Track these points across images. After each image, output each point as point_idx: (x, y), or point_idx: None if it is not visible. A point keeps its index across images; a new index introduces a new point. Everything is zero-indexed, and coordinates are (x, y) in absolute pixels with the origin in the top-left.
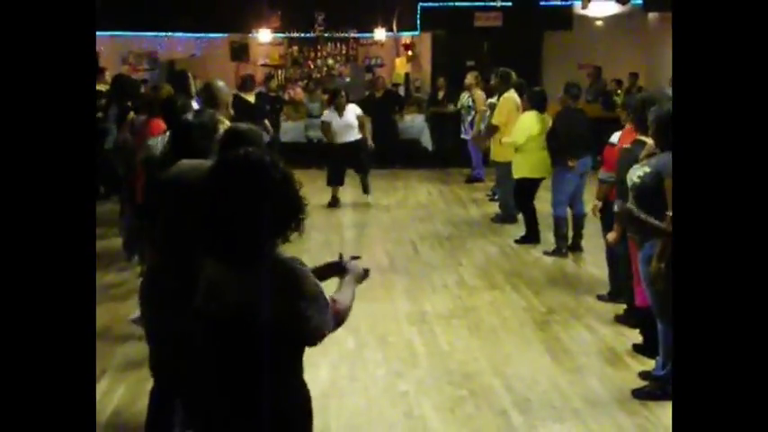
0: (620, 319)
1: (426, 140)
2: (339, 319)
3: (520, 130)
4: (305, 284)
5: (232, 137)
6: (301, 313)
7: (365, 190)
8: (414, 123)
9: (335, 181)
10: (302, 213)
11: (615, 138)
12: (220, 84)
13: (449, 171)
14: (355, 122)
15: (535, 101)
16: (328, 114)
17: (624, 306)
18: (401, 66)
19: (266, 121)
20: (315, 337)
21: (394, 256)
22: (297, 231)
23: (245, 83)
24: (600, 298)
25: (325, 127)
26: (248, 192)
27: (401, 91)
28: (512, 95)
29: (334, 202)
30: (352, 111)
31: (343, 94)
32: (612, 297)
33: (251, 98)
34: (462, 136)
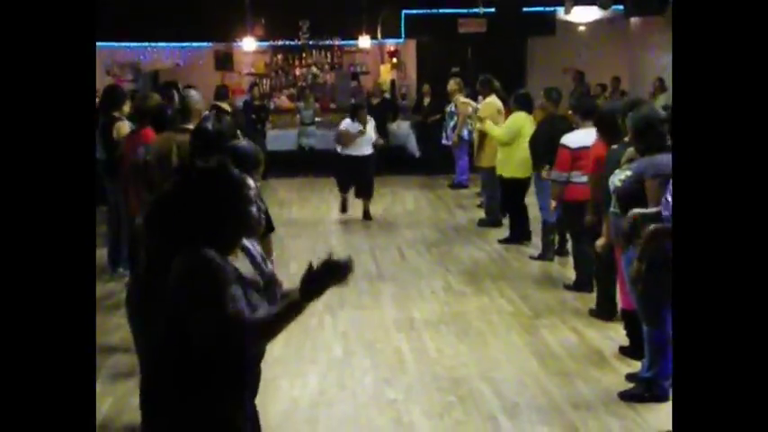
0: (593, 313)
1: (412, 147)
2: (255, 333)
3: (507, 128)
4: (199, 286)
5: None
6: (189, 316)
7: (367, 214)
8: (400, 130)
9: (347, 189)
10: (241, 228)
11: (567, 139)
12: (193, 93)
13: (435, 177)
14: (374, 136)
15: (521, 103)
16: (349, 124)
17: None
18: (386, 73)
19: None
20: (205, 345)
21: (381, 262)
22: (233, 244)
23: (219, 92)
24: (566, 287)
25: (343, 135)
26: (184, 198)
27: (388, 98)
28: (493, 100)
29: (345, 209)
30: (372, 123)
31: (365, 108)
32: (577, 288)
33: (226, 107)
34: (443, 142)
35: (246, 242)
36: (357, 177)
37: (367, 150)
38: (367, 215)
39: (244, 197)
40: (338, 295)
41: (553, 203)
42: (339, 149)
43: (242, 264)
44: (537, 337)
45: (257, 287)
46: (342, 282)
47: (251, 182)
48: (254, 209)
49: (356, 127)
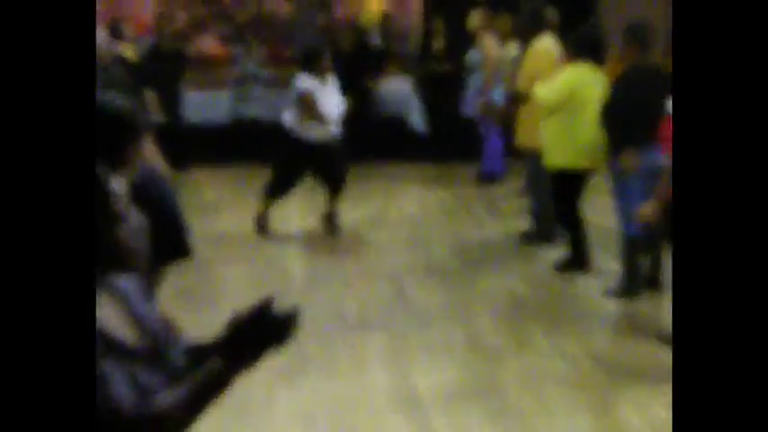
0: None
1: (416, 118)
2: (152, 425)
3: (557, 85)
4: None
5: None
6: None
7: (333, 223)
8: (396, 92)
9: (282, 190)
10: (101, 262)
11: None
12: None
13: (451, 166)
14: (341, 101)
15: (583, 47)
16: (307, 81)
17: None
18: (374, 0)
19: (150, 93)
20: None
21: (366, 301)
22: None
23: (114, 29)
24: (661, 338)
25: (309, 100)
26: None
27: (375, 41)
28: (546, 44)
29: (262, 225)
30: (334, 82)
31: (326, 54)
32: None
33: (130, 53)
34: (464, 110)
35: (118, 279)
36: (320, 169)
37: (333, 129)
38: (332, 223)
39: (105, 212)
40: (297, 354)
41: (647, 207)
42: (290, 125)
43: (110, 315)
44: (614, 419)
45: (138, 349)
46: (279, 346)
47: (117, 185)
48: (123, 230)
49: (318, 86)
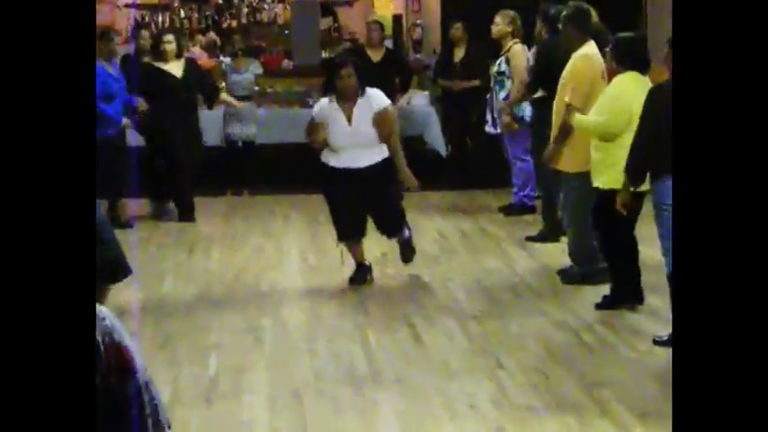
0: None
1: (435, 138)
2: None
3: (612, 110)
4: None
5: None
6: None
7: (406, 257)
8: (412, 108)
9: (351, 232)
10: None
11: None
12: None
13: (475, 193)
14: (372, 131)
15: (630, 56)
16: (324, 105)
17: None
18: (385, 3)
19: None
20: None
21: (378, 352)
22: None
23: (158, 44)
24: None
25: (314, 129)
26: None
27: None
28: (590, 53)
29: (360, 274)
30: (369, 106)
31: (350, 70)
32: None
33: (176, 70)
34: (488, 129)
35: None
36: (365, 201)
37: (365, 158)
38: (406, 253)
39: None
40: (298, 415)
41: None
42: (322, 156)
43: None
44: None
45: None
46: None
47: None
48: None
49: (333, 110)
